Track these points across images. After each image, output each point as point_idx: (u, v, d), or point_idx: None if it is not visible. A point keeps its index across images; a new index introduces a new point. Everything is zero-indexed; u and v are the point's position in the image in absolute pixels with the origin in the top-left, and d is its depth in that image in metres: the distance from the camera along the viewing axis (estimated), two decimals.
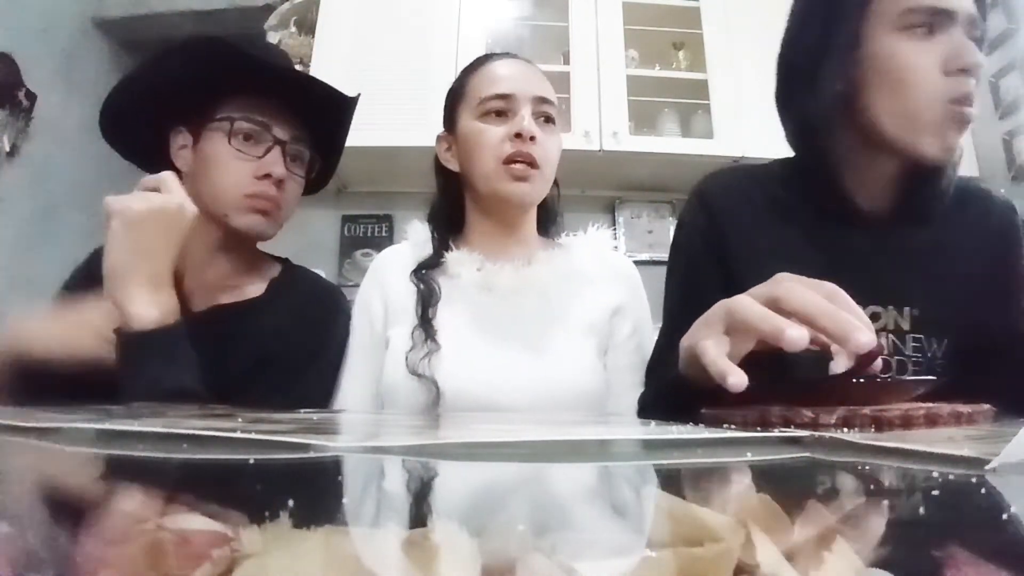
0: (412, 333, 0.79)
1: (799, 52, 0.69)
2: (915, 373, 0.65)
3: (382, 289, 0.85)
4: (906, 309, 0.66)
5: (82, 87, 2.27)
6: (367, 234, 2.22)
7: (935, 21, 0.60)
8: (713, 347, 0.43)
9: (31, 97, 2.12)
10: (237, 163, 0.77)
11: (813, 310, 0.40)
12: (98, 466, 0.29)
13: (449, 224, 0.89)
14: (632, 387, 0.79)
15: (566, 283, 0.83)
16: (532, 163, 0.79)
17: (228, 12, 2.41)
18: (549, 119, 0.83)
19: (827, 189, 0.69)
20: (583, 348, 0.81)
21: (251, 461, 0.28)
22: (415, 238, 0.89)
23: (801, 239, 0.69)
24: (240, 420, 0.43)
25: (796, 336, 0.38)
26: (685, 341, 0.51)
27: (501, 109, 0.81)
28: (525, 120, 0.79)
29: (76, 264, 0.92)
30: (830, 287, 0.43)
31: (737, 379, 0.40)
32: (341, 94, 0.84)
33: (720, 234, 0.71)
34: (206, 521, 0.18)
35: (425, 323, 0.79)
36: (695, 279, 0.73)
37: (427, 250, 0.86)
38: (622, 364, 0.83)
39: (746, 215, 0.72)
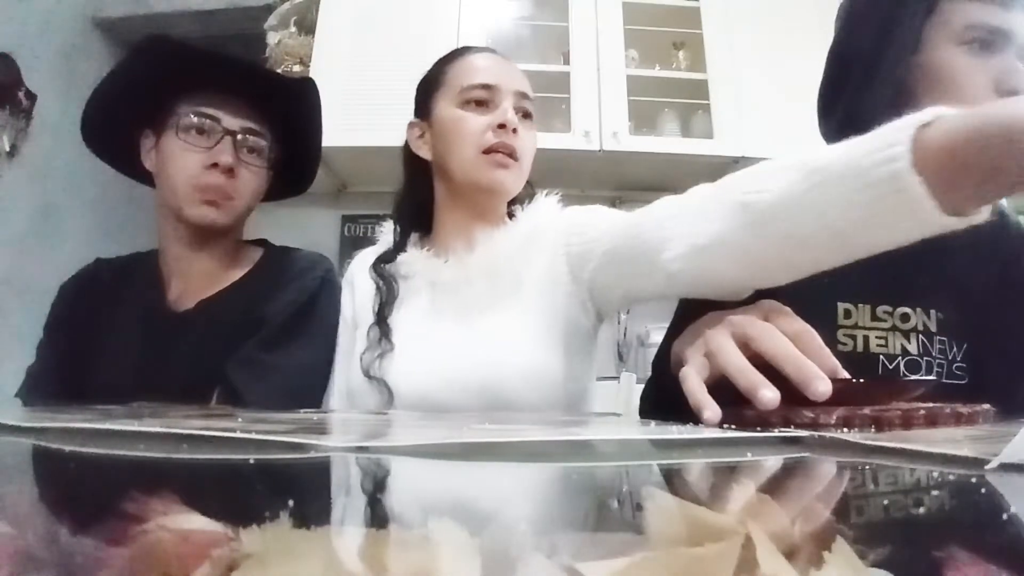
0: (368, 333, 0.78)
1: (855, 49, 0.69)
2: (938, 375, 0.66)
3: (352, 292, 0.85)
4: (932, 311, 0.68)
5: (82, 87, 2.25)
6: (367, 234, 2.22)
7: (994, 40, 0.62)
8: (694, 376, 0.45)
9: (31, 97, 2.12)
10: (187, 155, 0.79)
11: (780, 355, 0.43)
12: (98, 466, 0.29)
13: (415, 216, 0.87)
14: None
15: (516, 254, 0.79)
16: (513, 154, 0.78)
17: (228, 12, 2.41)
18: (528, 114, 0.83)
19: None
20: (535, 322, 0.76)
21: (251, 461, 0.28)
22: (385, 238, 0.88)
23: None
24: (240, 420, 0.43)
25: (769, 397, 0.41)
26: (676, 346, 0.54)
27: (484, 99, 0.80)
28: (508, 112, 0.78)
29: (79, 264, 0.92)
30: (801, 327, 0.46)
31: (711, 414, 0.42)
32: (291, 79, 0.85)
33: None
34: (206, 521, 0.18)
35: (381, 322, 0.78)
36: None
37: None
38: (609, 247, 0.70)
39: None
